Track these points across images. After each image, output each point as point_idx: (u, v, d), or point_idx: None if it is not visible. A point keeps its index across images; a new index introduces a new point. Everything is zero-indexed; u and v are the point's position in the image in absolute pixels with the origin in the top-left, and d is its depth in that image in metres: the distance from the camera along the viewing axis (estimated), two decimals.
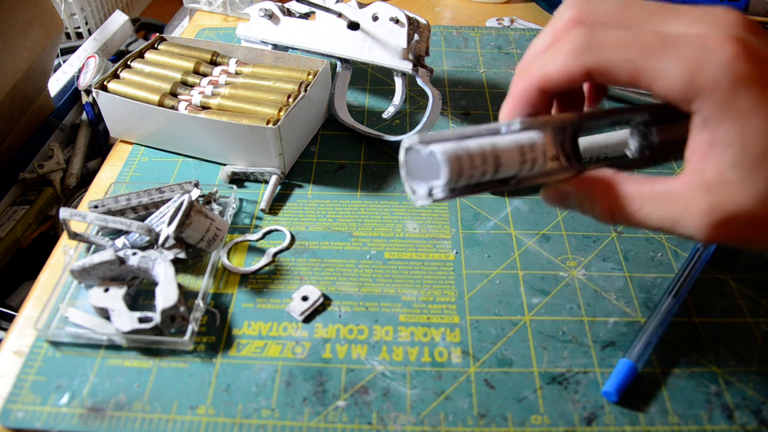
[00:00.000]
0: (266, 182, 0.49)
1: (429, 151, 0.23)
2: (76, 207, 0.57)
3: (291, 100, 0.49)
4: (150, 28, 0.95)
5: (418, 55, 0.50)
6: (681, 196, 0.23)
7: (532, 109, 0.26)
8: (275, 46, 0.55)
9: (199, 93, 0.51)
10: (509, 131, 0.25)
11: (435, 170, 0.24)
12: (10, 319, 0.54)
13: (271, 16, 0.54)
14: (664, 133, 0.28)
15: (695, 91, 0.22)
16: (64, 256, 0.42)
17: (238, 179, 0.49)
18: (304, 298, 0.39)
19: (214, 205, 0.44)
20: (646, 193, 0.24)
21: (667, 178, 0.24)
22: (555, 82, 0.25)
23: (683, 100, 0.22)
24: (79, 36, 0.87)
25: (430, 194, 0.24)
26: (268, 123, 0.46)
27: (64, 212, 0.39)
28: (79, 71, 0.72)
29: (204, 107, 0.50)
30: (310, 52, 0.54)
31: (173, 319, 0.36)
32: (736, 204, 0.22)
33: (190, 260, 0.42)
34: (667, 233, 0.24)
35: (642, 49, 0.22)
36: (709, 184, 0.22)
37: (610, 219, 0.25)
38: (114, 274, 0.39)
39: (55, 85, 0.71)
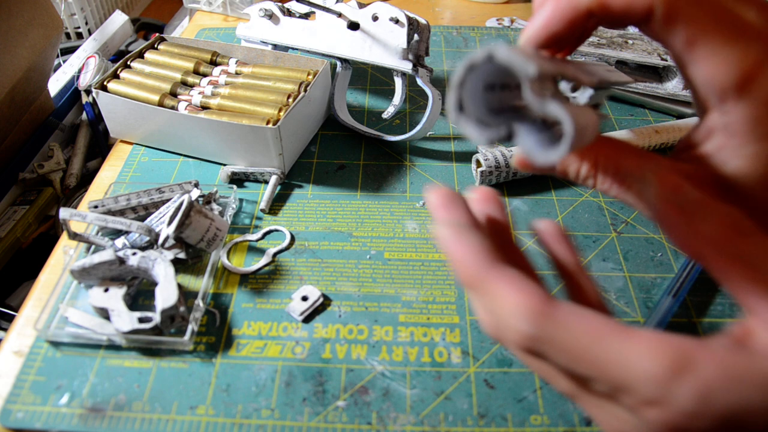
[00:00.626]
0: (266, 182, 0.49)
1: (548, 108, 0.18)
2: (76, 207, 0.57)
3: (291, 100, 0.49)
4: (150, 28, 0.95)
5: (418, 55, 0.50)
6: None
7: (572, 34, 0.21)
8: (275, 46, 0.55)
9: (199, 93, 0.51)
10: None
11: (502, 116, 0.19)
12: (10, 319, 0.53)
13: (271, 16, 0.54)
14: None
15: (739, 93, 0.19)
16: (64, 256, 0.42)
17: (238, 179, 0.49)
18: (304, 298, 0.39)
19: (214, 205, 0.44)
20: (635, 167, 0.22)
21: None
22: (612, 11, 0.20)
23: (719, 94, 0.20)
24: (79, 36, 0.87)
25: (508, 138, 0.19)
26: (268, 123, 0.46)
27: (64, 212, 0.39)
28: (79, 71, 0.72)
29: (204, 107, 0.50)
30: (310, 52, 0.54)
31: (173, 319, 0.36)
32: (732, 169, 0.21)
33: (190, 260, 0.42)
34: None
35: (720, 18, 0.19)
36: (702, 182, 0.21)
37: (592, 181, 0.23)
38: (114, 274, 0.39)
39: (55, 85, 0.71)
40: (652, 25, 0.20)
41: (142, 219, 0.43)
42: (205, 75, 0.54)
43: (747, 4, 0.20)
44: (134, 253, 0.39)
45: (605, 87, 0.23)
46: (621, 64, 0.58)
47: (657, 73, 0.58)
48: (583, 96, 0.22)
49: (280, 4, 0.55)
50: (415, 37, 0.49)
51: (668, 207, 0.20)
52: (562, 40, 0.21)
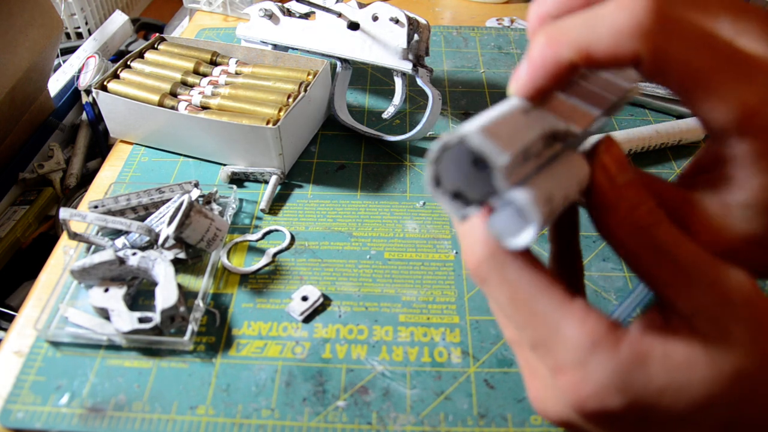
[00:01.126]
0: (266, 182, 0.49)
1: (514, 198, 0.18)
2: (76, 207, 0.57)
3: (291, 100, 0.49)
4: (150, 28, 0.95)
5: (418, 55, 0.50)
6: (671, 209, 0.22)
7: (558, 86, 0.20)
8: (275, 46, 0.55)
9: (199, 93, 0.51)
10: (564, 142, 0.20)
11: (468, 175, 0.19)
12: (10, 319, 0.53)
13: (271, 16, 0.54)
14: None
15: (741, 130, 0.19)
16: (64, 256, 0.42)
17: (238, 179, 0.49)
18: (304, 298, 0.39)
19: (214, 205, 0.44)
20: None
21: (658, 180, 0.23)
22: (597, 61, 0.19)
23: (721, 131, 0.19)
24: (79, 36, 0.87)
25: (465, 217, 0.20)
26: (268, 123, 0.46)
27: (64, 212, 0.39)
28: (79, 71, 0.72)
29: (204, 107, 0.50)
30: (310, 52, 0.54)
31: (173, 320, 0.36)
32: (730, 233, 0.21)
33: (190, 260, 0.42)
34: None
35: (714, 59, 0.18)
36: (707, 209, 0.21)
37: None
38: (114, 274, 0.39)
39: (55, 85, 0.71)
40: (641, 69, 0.19)
41: (142, 219, 0.43)
42: (205, 75, 0.54)
43: (747, 31, 0.19)
44: (134, 253, 0.39)
45: (606, 114, 0.22)
46: None
47: None
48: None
49: (280, 4, 0.55)
50: (415, 37, 0.49)
51: (598, 196, 0.20)
52: (557, 89, 0.21)
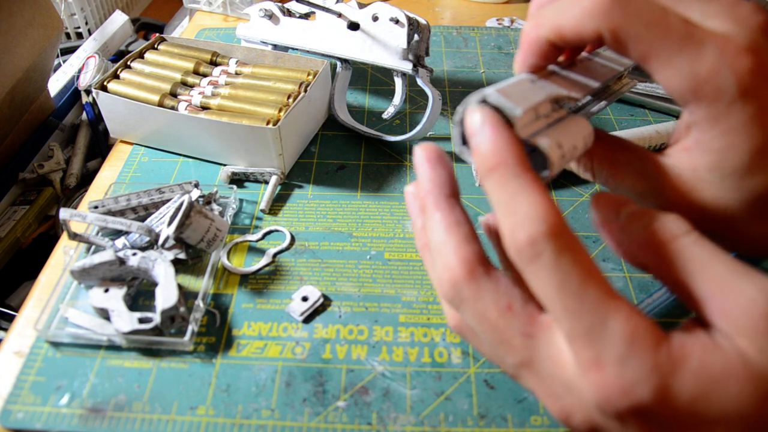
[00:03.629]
0: (266, 182, 0.49)
1: (531, 141, 0.21)
2: (76, 207, 0.57)
3: (291, 100, 0.49)
4: (150, 28, 0.95)
5: (418, 56, 0.50)
6: (653, 175, 0.24)
7: (546, 60, 0.24)
8: (275, 47, 0.55)
9: (199, 93, 0.51)
10: (567, 105, 0.24)
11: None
12: (10, 319, 0.53)
13: (271, 16, 0.54)
14: None
15: (697, 95, 0.21)
16: (64, 256, 0.42)
17: (238, 179, 0.49)
18: (304, 299, 0.39)
19: (214, 206, 0.44)
20: (623, 161, 0.25)
21: (647, 152, 0.25)
22: (567, 38, 0.22)
23: (680, 98, 0.22)
24: (79, 36, 0.87)
25: None
26: (268, 123, 0.46)
27: (64, 213, 0.39)
28: (79, 71, 0.72)
29: (204, 107, 0.50)
30: (310, 53, 0.54)
31: (173, 320, 0.36)
32: (699, 200, 0.23)
33: (190, 260, 0.42)
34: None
35: (664, 33, 0.21)
36: (681, 174, 0.23)
37: (591, 177, 0.27)
38: (114, 274, 0.39)
39: (55, 85, 0.71)
40: (606, 45, 0.22)
41: (142, 219, 0.43)
42: (205, 75, 0.54)
43: (715, 14, 0.22)
44: (134, 254, 0.39)
45: (601, 94, 0.25)
46: None
47: None
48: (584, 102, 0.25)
49: (280, 4, 0.54)
50: (415, 37, 0.49)
51: (604, 224, 0.22)
52: (545, 64, 0.24)
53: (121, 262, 0.38)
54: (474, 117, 0.21)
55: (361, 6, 0.50)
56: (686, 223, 0.21)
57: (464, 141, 0.22)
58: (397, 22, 0.48)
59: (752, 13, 0.22)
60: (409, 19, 0.48)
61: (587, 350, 0.19)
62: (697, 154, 0.22)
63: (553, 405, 0.22)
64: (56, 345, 0.37)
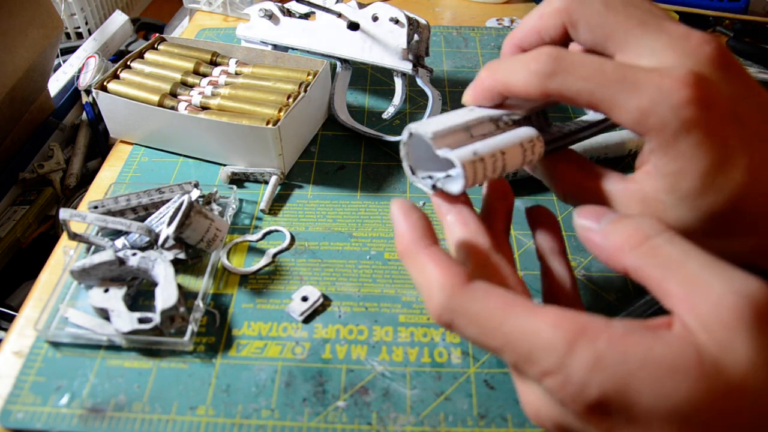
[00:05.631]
0: (266, 182, 0.49)
1: (444, 156, 0.24)
2: (76, 207, 0.57)
3: (291, 100, 0.49)
4: (150, 28, 0.95)
5: (418, 56, 0.50)
6: (621, 199, 0.26)
7: (492, 104, 0.27)
8: (275, 47, 0.55)
9: (199, 93, 0.51)
10: (509, 119, 0.27)
11: (443, 165, 0.25)
12: (10, 319, 0.53)
13: (271, 16, 0.54)
14: None
15: (645, 128, 0.23)
16: (64, 256, 0.42)
17: (238, 180, 0.49)
18: (304, 299, 0.39)
19: (214, 206, 0.44)
20: (592, 188, 0.27)
21: (615, 176, 0.27)
22: (515, 93, 0.26)
23: (635, 130, 0.24)
24: (79, 36, 0.87)
25: (434, 187, 0.26)
26: (268, 123, 0.46)
27: (64, 213, 0.39)
28: (79, 71, 0.72)
29: (204, 107, 0.50)
30: (310, 53, 0.54)
31: (173, 320, 0.36)
32: (666, 221, 0.24)
33: (190, 261, 0.42)
34: None
35: (604, 82, 0.23)
36: (645, 197, 0.25)
37: (562, 199, 0.29)
38: (114, 274, 0.39)
39: (55, 85, 0.71)
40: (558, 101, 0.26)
41: (142, 219, 0.43)
42: (205, 75, 0.54)
43: (641, 41, 0.24)
44: (134, 254, 0.39)
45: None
46: None
47: None
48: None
49: (280, 4, 0.55)
50: (415, 37, 0.49)
51: (586, 233, 0.24)
52: (493, 106, 0.28)
53: (121, 262, 0.38)
54: (391, 208, 0.25)
55: (361, 6, 0.50)
56: (660, 224, 0.22)
57: (412, 172, 0.27)
58: (397, 22, 0.48)
59: (701, 43, 0.23)
60: (409, 19, 0.48)
61: (532, 368, 0.20)
62: (656, 178, 0.24)
63: (525, 402, 0.24)
64: (56, 345, 0.37)
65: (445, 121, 0.26)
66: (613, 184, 0.26)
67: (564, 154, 0.29)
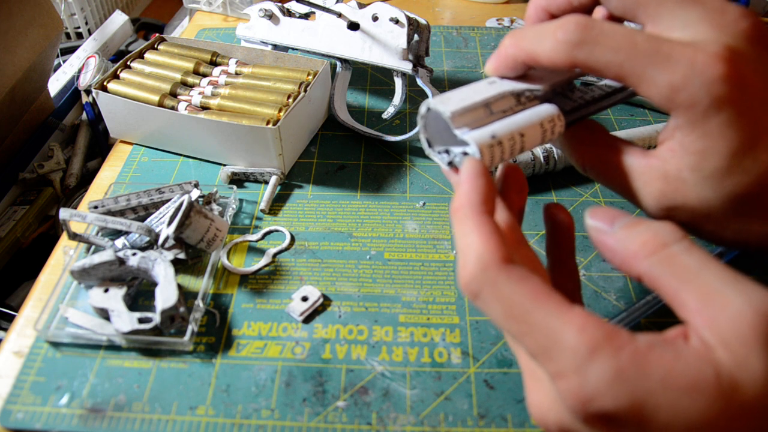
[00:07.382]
0: (266, 182, 0.49)
1: (462, 138, 0.24)
2: (76, 207, 0.57)
3: (291, 100, 0.49)
4: (150, 28, 0.95)
5: (418, 56, 0.50)
6: (641, 175, 0.25)
7: (516, 74, 0.26)
8: (275, 47, 0.55)
9: (199, 93, 0.51)
10: (531, 94, 0.26)
11: (459, 142, 0.25)
12: (10, 319, 0.54)
13: (271, 16, 0.54)
14: None
15: (674, 104, 0.23)
16: (64, 256, 0.42)
17: (238, 180, 0.49)
18: (304, 299, 0.39)
19: (214, 206, 0.44)
20: (613, 161, 0.26)
21: (636, 151, 0.26)
22: (540, 63, 0.25)
23: (663, 106, 0.23)
24: (79, 36, 0.87)
25: (450, 164, 0.26)
26: (268, 123, 0.46)
27: (64, 213, 0.39)
28: (79, 71, 0.72)
29: (204, 107, 0.50)
30: (310, 53, 0.54)
31: (173, 320, 0.36)
32: (683, 198, 0.24)
33: (190, 260, 0.42)
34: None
35: (634, 55, 0.22)
36: (667, 174, 0.24)
37: (581, 170, 0.28)
38: (114, 274, 0.39)
39: (55, 85, 0.72)
40: (584, 72, 0.25)
41: (142, 219, 0.43)
42: (205, 75, 0.54)
43: (674, 13, 0.23)
44: (134, 254, 0.39)
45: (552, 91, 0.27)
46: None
47: None
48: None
49: (280, 4, 0.54)
50: (415, 37, 0.49)
51: (599, 236, 0.23)
52: (516, 76, 0.27)
53: (121, 262, 0.38)
54: (464, 166, 0.24)
55: (361, 6, 0.50)
56: (679, 230, 0.21)
57: (429, 144, 0.26)
58: (397, 22, 0.48)
59: (737, 18, 0.22)
60: (409, 19, 0.48)
61: (548, 365, 0.20)
62: (681, 156, 0.24)
63: (532, 399, 0.23)
64: (56, 345, 0.37)
65: (465, 97, 0.25)
66: (635, 159, 0.26)
67: (585, 124, 0.28)
